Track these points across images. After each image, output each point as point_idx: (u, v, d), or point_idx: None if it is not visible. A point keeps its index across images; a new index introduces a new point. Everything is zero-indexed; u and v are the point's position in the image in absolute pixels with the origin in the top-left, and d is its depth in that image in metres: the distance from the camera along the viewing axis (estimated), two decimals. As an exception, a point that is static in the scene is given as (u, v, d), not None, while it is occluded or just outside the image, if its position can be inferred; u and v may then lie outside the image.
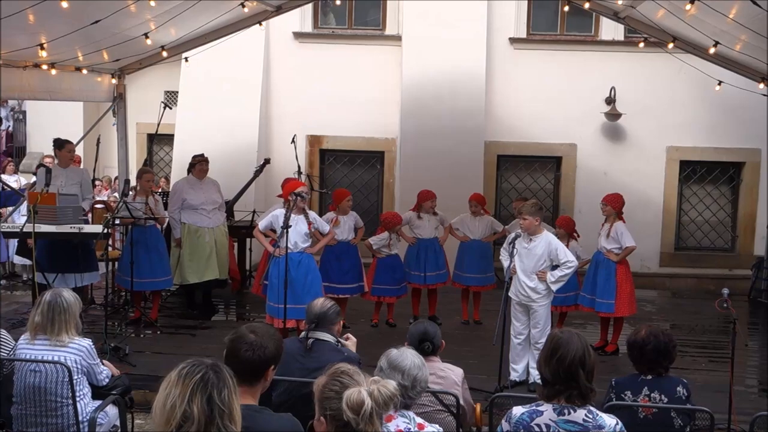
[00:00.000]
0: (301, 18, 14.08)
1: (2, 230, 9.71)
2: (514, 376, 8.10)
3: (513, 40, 13.98)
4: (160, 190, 12.14)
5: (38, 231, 8.60)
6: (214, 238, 10.37)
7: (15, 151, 17.78)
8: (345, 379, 3.09)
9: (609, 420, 3.79)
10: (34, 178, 11.10)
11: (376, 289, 10.10)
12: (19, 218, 10.99)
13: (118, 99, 11.82)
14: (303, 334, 5.15)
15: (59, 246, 9.23)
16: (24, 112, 17.15)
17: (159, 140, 15.19)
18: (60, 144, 9.92)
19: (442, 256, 10.37)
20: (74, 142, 11.13)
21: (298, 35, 14.22)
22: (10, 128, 17.63)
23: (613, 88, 13.68)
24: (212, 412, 2.69)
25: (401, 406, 4.01)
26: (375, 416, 2.98)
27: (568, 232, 9.40)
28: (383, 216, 10.49)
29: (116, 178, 12.91)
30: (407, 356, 4.20)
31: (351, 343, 5.24)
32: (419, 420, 4.00)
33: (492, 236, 10.51)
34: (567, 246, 8.68)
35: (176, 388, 2.71)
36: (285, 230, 8.00)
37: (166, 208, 10.96)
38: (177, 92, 14.10)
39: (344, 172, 14.67)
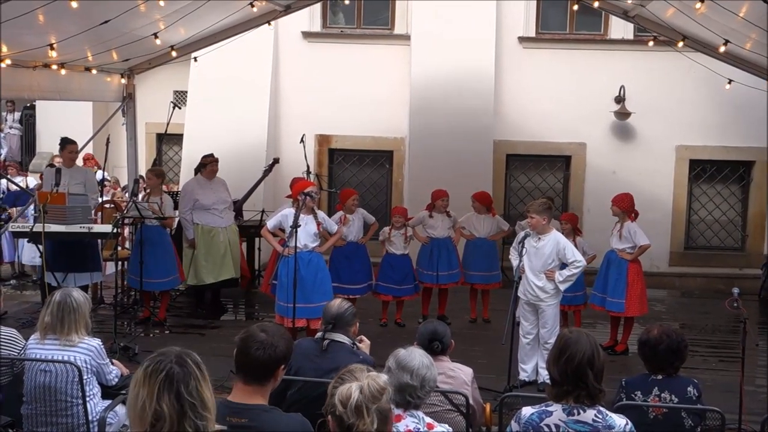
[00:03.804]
0: (309, 17, 14.07)
1: (12, 230, 9.75)
2: (523, 375, 8.09)
3: (522, 39, 13.95)
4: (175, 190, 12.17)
5: (48, 231, 8.62)
6: (228, 237, 10.40)
7: (24, 148, 17.83)
8: (347, 376, 3.12)
9: (619, 420, 3.78)
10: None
11: (378, 285, 10.17)
12: (31, 218, 11.03)
13: (128, 99, 11.84)
14: (319, 334, 5.15)
15: (67, 245, 9.25)
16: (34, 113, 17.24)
17: (168, 140, 15.23)
18: (62, 144, 9.94)
19: (455, 256, 10.36)
20: (83, 142, 11.18)
21: (307, 35, 14.22)
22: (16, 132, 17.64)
23: (622, 86, 13.64)
24: (182, 407, 2.66)
25: (411, 406, 4.01)
26: (365, 410, 2.99)
27: (573, 228, 9.41)
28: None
29: (126, 186, 12.89)
30: (415, 356, 4.19)
31: (365, 345, 5.24)
32: (429, 420, 4.01)
33: (499, 234, 10.51)
34: (574, 242, 8.68)
35: (144, 388, 2.67)
36: (294, 230, 8.00)
37: (175, 208, 10.99)
38: (186, 92, 14.12)
39: (353, 172, 14.67)
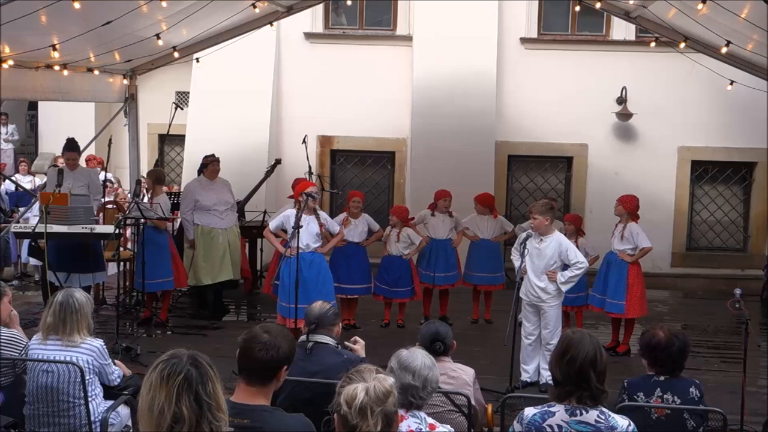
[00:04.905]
0: (312, 18, 14.08)
1: (15, 230, 9.76)
2: (525, 376, 8.10)
3: (524, 40, 13.96)
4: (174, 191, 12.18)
5: (50, 231, 8.63)
6: (228, 238, 10.38)
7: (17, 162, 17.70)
8: (354, 376, 3.13)
9: (621, 421, 3.78)
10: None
11: (375, 286, 10.18)
12: (33, 219, 11.03)
13: (130, 100, 11.85)
14: (302, 337, 5.15)
15: (69, 246, 9.26)
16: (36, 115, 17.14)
17: (170, 141, 15.23)
18: (63, 148, 9.95)
19: (454, 258, 10.36)
20: (85, 143, 11.18)
21: (309, 36, 14.23)
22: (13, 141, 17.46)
23: (624, 88, 13.64)
24: (201, 409, 2.69)
25: (413, 407, 4.02)
26: (369, 412, 3.00)
27: (576, 229, 9.40)
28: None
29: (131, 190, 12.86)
30: (418, 356, 4.19)
31: (360, 346, 5.22)
32: (431, 420, 4.01)
33: (502, 236, 10.51)
34: (576, 243, 8.68)
35: (161, 392, 2.69)
36: (296, 230, 8.01)
37: (176, 209, 11.00)
38: (188, 93, 14.12)
39: (355, 173, 14.67)
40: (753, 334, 6.57)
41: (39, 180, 13.97)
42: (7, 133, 17.09)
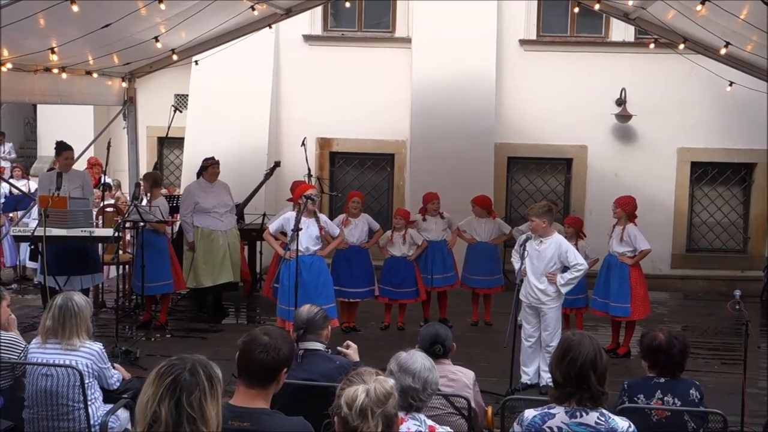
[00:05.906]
0: (310, 21, 14.07)
1: (14, 234, 9.75)
2: (525, 378, 8.09)
3: (523, 42, 13.95)
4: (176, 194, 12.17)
5: (49, 234, 8.62)
6: (228, 241, 10.38)
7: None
8: (355, 378, 3.13)
9: (621, 423, 3.78)
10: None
11: (379, 288, 10.16)
12: (32, 222, 11.01)
13: (129, 102, 11.83)
14: None
15: (68, 249, 9.24)
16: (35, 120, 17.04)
17: (169, 143, 15.22)
18: (58, 150, 9.93)
19: (450, 259, 10.35)
20: (84, 146, 11.18)
21: (308, 38, 14.22)
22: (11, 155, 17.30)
23: (623, 89, 13.63)
24: (179, 417, 2.67)
25: (413, 409, 4.01)
26: (370, 414, 3.00)
27: (577, 231, 9.39)
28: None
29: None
30: (417, 359, 4.19)
31: (352, 350, 5.21)
32: (430, 423, 4.00)
33: (500, 238, 10.50)
34: (576, 245, 8.67)
35: (151, 387, 2.72)
36: (296, 233, 8.00)
37: (175, 212, 10.99)
38: (187, 95, 14.12)
39: (354, 175, 14.66)
40: (753, 335, 6.57)
41: (34, 184, 13.93)
42: (4, 152, 16.98)
